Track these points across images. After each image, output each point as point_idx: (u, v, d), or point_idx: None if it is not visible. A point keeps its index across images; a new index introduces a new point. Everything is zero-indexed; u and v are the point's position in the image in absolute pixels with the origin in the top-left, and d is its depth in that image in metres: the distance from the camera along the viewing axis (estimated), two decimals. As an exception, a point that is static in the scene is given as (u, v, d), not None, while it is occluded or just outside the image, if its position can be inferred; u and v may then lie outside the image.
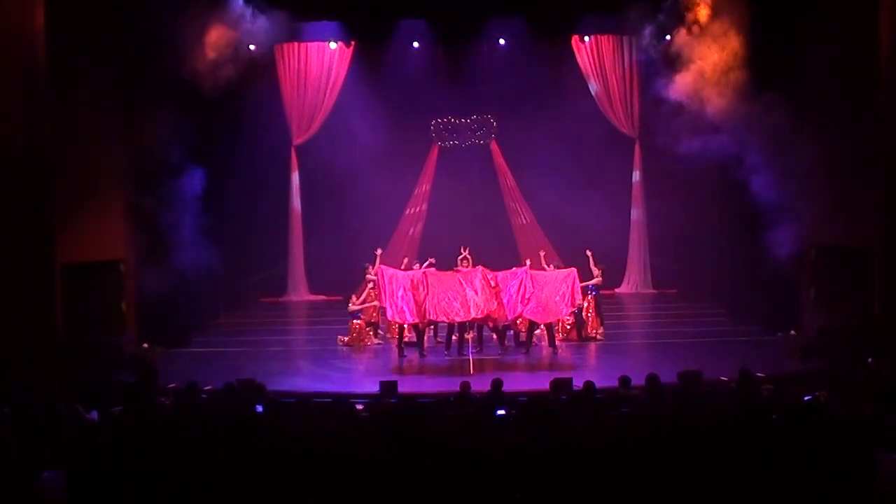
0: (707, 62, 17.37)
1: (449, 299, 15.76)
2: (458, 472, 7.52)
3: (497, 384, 11.23)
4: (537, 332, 16.67)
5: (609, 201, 21.71)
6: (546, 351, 16.55)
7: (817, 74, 17.12)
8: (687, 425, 8.20)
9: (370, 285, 17.48)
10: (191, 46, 17.23)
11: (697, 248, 20.67)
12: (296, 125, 22.25)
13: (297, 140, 22.31)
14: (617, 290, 22.58)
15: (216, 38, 17.50)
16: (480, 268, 16.16)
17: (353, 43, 21.61)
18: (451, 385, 12.85)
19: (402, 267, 17.23)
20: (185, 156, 17.04)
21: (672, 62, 17.92)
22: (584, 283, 16.95)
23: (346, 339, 17.52)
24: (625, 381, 11.52)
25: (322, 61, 22.01)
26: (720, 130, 17.08)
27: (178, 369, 14.62)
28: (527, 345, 16.48)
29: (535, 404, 9.85)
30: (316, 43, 21.80)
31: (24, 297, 14.42)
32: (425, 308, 15.77)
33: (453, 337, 16.44)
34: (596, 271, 17.47)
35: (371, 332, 17.67)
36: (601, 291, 18.03)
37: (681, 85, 17.62)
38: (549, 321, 16.31)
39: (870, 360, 12.92)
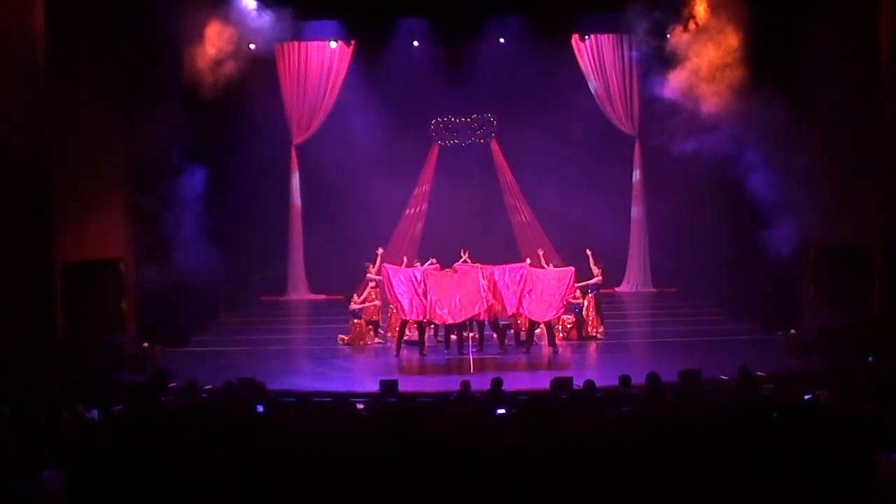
0: (706, 60, 17.35)
1: (448, 300, 15.76)
2: (459, 472, 7.52)
3: (497, 383, 11.22)
4: (537, 331, 16.66)
5: (609, 200, 21.72)
6: (546, 350, 16.54)
7: (816, 71, 17.09)
8: (687, 424, 8.19)
9: (371, 284, 17.49)
10: (191, 45, 17.23)
11: (697, 246, 20.66)
12: (296, 124, 22.25)
13: (298, 139, 22.30)
14: (617, 289, 22.58)
15: (216, 36, 17.48)
16: (479, 266, 16.16)
17: (353, 42, 21.59)
18: (451, 384, 12.84)
19: (403, 266, 17.23)
20: (185, 155, 17.03)
21: (671, 60, 17.90)
22: (584, 283, 16.96)
23: (346, 337, 17.51)
24: (625, 379, 11.51)
25: (322, 60, 22.01)
26: (720, 128, 17.06)
27: (178, 368, 14.55)
28: (527, 344, 16.48)
29: (536, 403, 9.84)
30: (316, 42, 21.79)
31: (24, 296, 14.42)
32: (426, 307, 15.79)
33: (452, 336, 16.43)
34: (596, 270, 17.47)
35: (371, 331, 17.66)
36: (601, 290, 18.01)
37: (680, 83, 17.61)
38: (546, 319, 16.29)
39: (870, 359, 12.94)
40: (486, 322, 16.48)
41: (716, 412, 8.79)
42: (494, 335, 16.80)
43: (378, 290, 17.49)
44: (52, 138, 14.87)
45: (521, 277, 16.03)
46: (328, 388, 13.50)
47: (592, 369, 15.32)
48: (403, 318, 16.38)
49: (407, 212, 22.59)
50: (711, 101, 17.19)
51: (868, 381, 11.32)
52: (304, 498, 7.57)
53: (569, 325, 17.43)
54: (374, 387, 12.81)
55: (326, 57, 21.98)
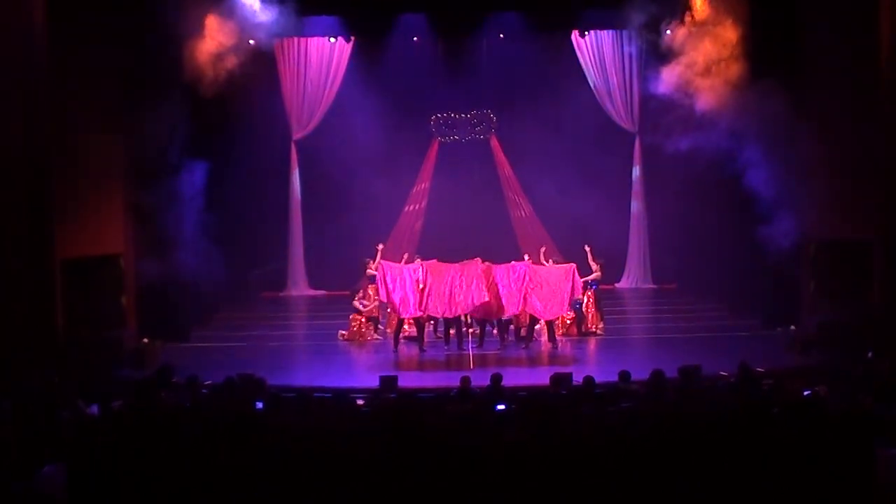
0: (705, 55, 17.33)
1: (447, 294, 15.74)
2: (458, 468, 7.51)
3: (496, 379, 11.22)
4: (537, 327, 16.65)
5: (609, 196, 21.69)
6: (546, 346, 16.53)
7: (816, 66, 17.02)
8: (687, 421, 8.19)
9: (370, 282, 17.48)
10: (192, 41, 17.21)
11: (697, 242, 20.65)
12: (296, 120, 22.23)
13: (297, 135, 22.28)
14: (617, 285, 22.57)
15: (217, 31, 17.45)
16: (478, 260, 16.14)
17: (352, 38, 21.56)
18: (451, 380, 12.85)
19: (403, 262, 17.22)
20: (185, 151, 17.02)
21: (670, 55, 17.88)
22: (583, 279, 16.94)
23: (346, 333, 17.51)
24: (624, 375, 11.52)
25: (322, 56, 21.98)
26: (719, 124, 17.05)
27: (178, 364, 14.54)
28: (527, 339, 16.48)
29: (535, 399, 9.85)
30: (316, 38, 21.75)
31: (23, 292, 14.41)
32: (426, 302, 15.77)
33: (451, 331, 16.41)
34: (595, 266, 17.46)
35: (371, 328, 17.66)
36: (601, 286, 17.99)
37: (679, 78, 17.59)
38: (550, 318, 16.29)
39: (869, 354, 12.94)
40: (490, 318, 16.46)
41: (715, 408, 8.79)
42: (494, 331, 16.81)
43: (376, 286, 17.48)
44: (51, 134, 14.85)
45: (522, 276, 15.94)
46: (328, 383, 13.48)
47: (592, 365, 15.31)
48: (396, 315, 16.39)
49: (406, 209, 22.57)
50: (710, 95, 17.17)
51: (868, 377, 11.32)
52: (304, 494, 7.56)
53: (568, 321, 17.43)
54: (373, 382, 12.78)
55: (326, 53, 21.95)
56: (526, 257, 17.02)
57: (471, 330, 16.86)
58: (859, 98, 15.94)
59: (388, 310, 17.31)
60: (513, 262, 16.43)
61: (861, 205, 16.04)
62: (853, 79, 16.09)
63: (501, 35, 21.77)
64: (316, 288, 22.80)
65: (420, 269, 16.05)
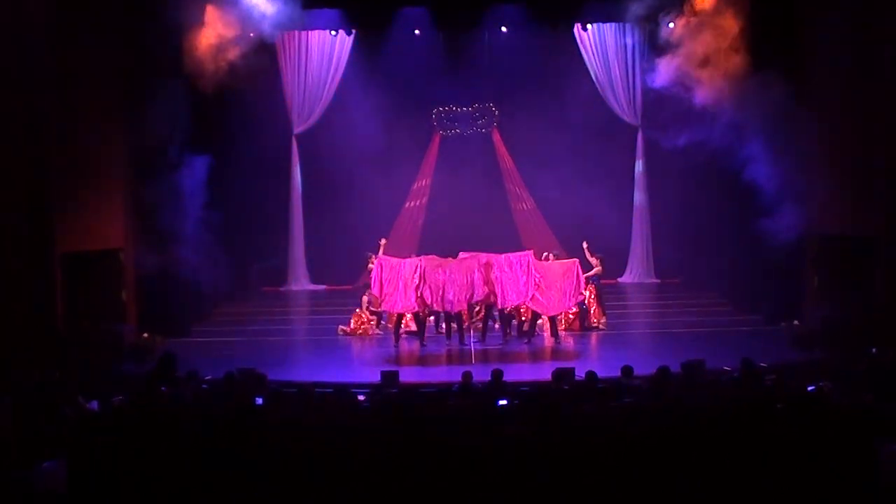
0: (706, 47, 17.30)
1: (446, 287, 15.73)
2: (459, 463, 7.52)
3: (497, 374, 11.22)
4: (539, 321, 16.65)
5: (611, 189, 21.66)
6: (548, 340, 16.53)
7: (819, 55, 16.92)
8: (689, 416, 8.19)
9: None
10: (192, 33, 17.19)
11: (700, 237, 20.62)
12: (296, 114, 22.19)
13: (298, 129, 22.25)
14: (619, 280, 22.55)
15: (218, 23, 17.44)
16: (479, 255, 16.13)
17: (353, 31, 21.52)
18: (452, 375, 12.87)
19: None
20: (186, 144, 17.03)
21: (672, 48, 17.85)
22: (584, 275, 16.89)
23: (347, 328, 17.51)
24: (627, 370, 11.53)
25: (323, 50, 21.94)
26: (722, 116, 17.02)
27: (178, 359, 14.59)
28: (529, 334, 16.46)
29: (537, 394, 9.86)
30: (317, 31, 21.71)
31: (23, 286, 14.42)
32: (424, 296, 15.76)
33: (452, 325, 16.39)
34: (594, 261, 17.43)
35: (374, 322, 17.64)
36: (602, 281, 17.97)
37: (682, 71, 17.56)
38: (553, 314, 16.28)
39: (873, 350, 12.92)
40: (494, 311, 16.45)
41: (718, 404, 8.79)
42: (496, 325, 16.80)
43: None
44: (51, 128, 14.85)
45: (525, 271, 15.89)
46: (329, 378, 13.49)
47: (594, 360, 15.29)
48: (390, 311, 16.39)
49: (408, 204, 22.56)
50: (712, 88, 17.13)
51: (871, 372, 11.32)
52: (305, 490, 7.57)
53: (571, 316, 17.41)
54: (375, 377, 12.82)
55: (327, 46, 21.90)
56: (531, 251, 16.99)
57: (472, 324, 16.85)
58: (863, 89, 15.86)
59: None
60: (516, 252, 16.38)
61: (865, 197, 15.98)
62: (857, 69, 15.99)
63: (503, 28, 21.73)
64: (317, 282, 22.78)
65: (419, 265, 15.99)
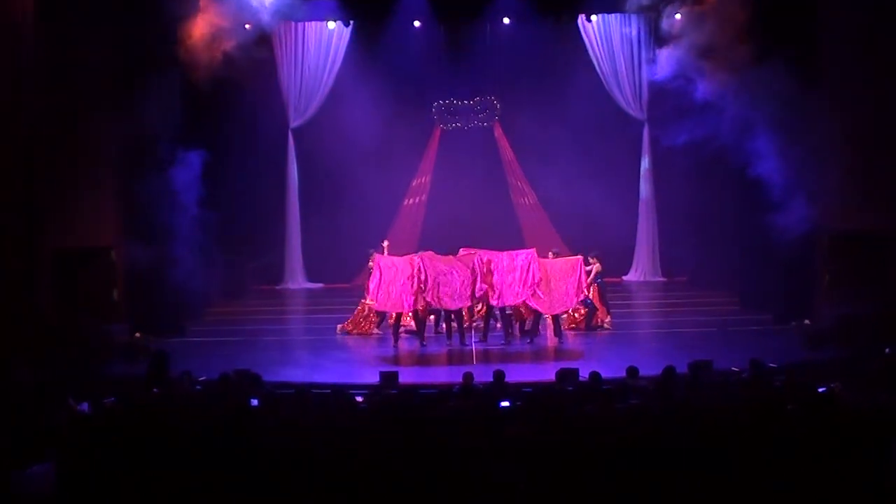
0: (713, 36, 17.24)
1: (447, 283, 15.73)
2: (460, 466, 7.51)
3: (499, 375, 11.21)
4: (544, 318, 16.63)
5: (617, 185, 21.66)
6: (551, 340, 16.51)
7: (832, 42, 16.83)
8: (696, 418, 8.17)
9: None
10: (187, 23, 17.16)
11: (708, 233, 20.58)
12: (293, 108, 22.14)
13: (295, 123, 22.22)
14: (625, 278, 22.53)
15: (213, 13, 17.42)
16: (478, 253, 16.13)
17: (351, 22, 21.48)
18: (453, 375, 12.86)
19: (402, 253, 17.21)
20: (180, 139, 17.00)
21: (679, 38, 17.81)
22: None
23: (348, 326, 17.48)
24: (632, 371, 11.52)
25: (320, 41, 21.90)
26: (730, 108, 16.97)
27: (171, 359, 14.57)
28: (531, 333, 16.45)
29: (540, 396, 9.84)
30: (314, 22, 21.67)
31: (12, 284, 14.42)
32: (424, 294, 15.74)
33: (453, 325, 16.38)
34: (591, 261, 17.34)
35: (376, 323, 17.59)
36: (604, 279, 17.92)
37: (688, 61, 17.52)
38: (555, 313, 16.27)
39: (887, 350, 12.91)
40: (495, 310, 16.44)
41: (726, 405, 8.78)
42: (498, 325, 16.79)
43: None
44: (41, 121, 14.84)
45: (527, 269, 15.87)
46: (326, 379, 13.50)
47: (599, 360, 15.21)
48: (385, 310, 16.36)
49: (407, 202, 22.55)
50: (720, 78, 17.07)
51: (885, 372, 11.31)
52: (302, 494, 7.55)
53: (577, 316, 17.36)
54: (374, 378, 12.82)
55: (324, 37, 21.86)
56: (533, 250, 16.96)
57: (474, 324, 16.84)
58: (878, 78, 15.77)
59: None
60: (518, 250, 16.37)
61: (879, 192, 15.95)
62: (872, 57, 15.88)
63: (505, 19, 21.67)
64: (313, 281, 22.76)
65: (418, 263, 15.95)
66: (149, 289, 17.05)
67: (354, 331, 17.43)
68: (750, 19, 17.07)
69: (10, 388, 10.59)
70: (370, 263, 17.31)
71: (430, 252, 16.51)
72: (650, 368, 11.97)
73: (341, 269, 21.80)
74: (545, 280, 15.92)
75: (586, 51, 21.67)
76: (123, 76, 16.76)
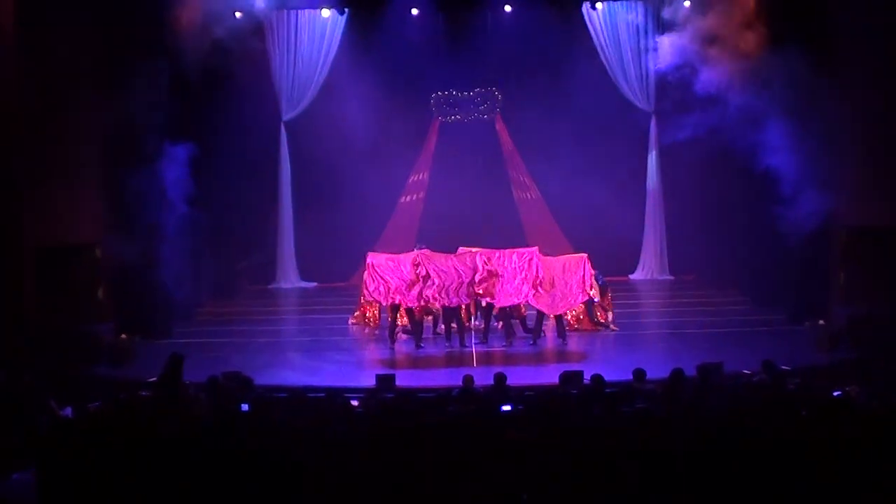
0: (723, 23, 17.20)
1: (446, 280, 15.70)
2: (460, 473, 7.48)
3: (500, 379, 11.19)
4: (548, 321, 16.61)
5: (623, 180, 21.66)
6: (554, 341, 16.48)
7: (846, 26, 16.70)
8: (706, 423, 8.15)
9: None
10: (175, 7, 17.11)
11: (718, 229, 20.57)
12: (286, 100, 22.09)
13: (287, 115, 22.17)
14: (631, 277, 22.51)
15: (202, 1, 17.38)
16: (478, 252, 16.11)
17: (346, 10, 21.44)
18: (452, 378, 12.83)
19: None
20: (167, 132, 16.96)
21: (687, 25, 17.76)
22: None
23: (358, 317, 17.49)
24: (639, 374, 11.49)
25: (314, 31, 21.85)
26: (740, 98, 16.92)
27: (158, 362, 14.55)
28: (534, 334, 16.42)
29: (544, 399, 9.82)
30: (307, 11, 21.63)
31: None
32: (424, 291, 15.71)
33: (452, 325, 16.36)
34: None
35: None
36: (607, 277, 17.90)
37: (697, 50, 17.48)
38: (559, 313, 16.24)
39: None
40: (494, 311, 16.42)
41: (737, 409, 8.76)
42: (499, 325, 16.76)
43: None
44: (19, 108, 14.77)
45: (529, 267, 15.84)
46: (320, 382, 13.47)
47: (604, 362, 15.19)
48: (384, 303, 16.33)
49: (404, 199, 22.54)
50: (730, 66, 17.01)
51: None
52: (295, 502, 7.53)
53: (581, 316, 17.32)
54: (370, 381, 12.81)
55: (318, 26, 21.81)
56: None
57: (474, 324, 16.82)
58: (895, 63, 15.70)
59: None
60: (520, 249, 16.35)
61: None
62: (889, 41, 15.79)
63: (507, 7, 21.66)
64: (307, 280, 22.74)
65: (418, 260, 15.93)
66: (135, 287, 17.01)
67: (367, 321, 17.41)
68: (760, 4, 17.02)
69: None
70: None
71: (427, 250, 16.47)
72: (657, 371, 11.95)
73: (336, 268, 21.78)
74: (548, 279, 15.90)
75: (591, 40, 21.62)
76: (108, 64, 16.71)
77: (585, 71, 21.48)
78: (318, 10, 21.59)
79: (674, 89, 19.07)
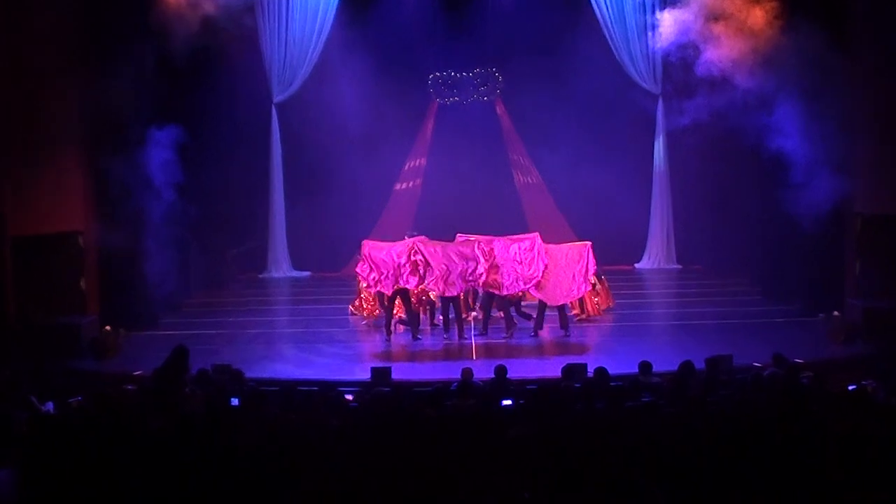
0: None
1: (445, 268, 15.70)
2: (458, 469, 7.48)
3: (501, 371, 11.19)
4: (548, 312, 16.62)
5: (628, 164, 21.64)
6: (557, 333, 16.48)
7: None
8: (715, 418, 8.15)
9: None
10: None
11: (727, 217, 20.57)
12: (277, 81, 22.05)
13: (278, 98, 22.13)
14: (637, 266, 22.52)
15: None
16: (477, 238, 16.11)
17: (340, -13, 21.43)
18: (451, 372, 12.83)
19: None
20: (153, 115, 16.96)
21: (693, 1, 17.70)
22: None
23: (361, 306, 17.54)
24: (645, 367, 11.49)
25: (306, 8, 21.78)
26: (751, 79, 16.86)
27: (144, 354, 14.59)
28: (536, 325, 16.42)
29: (545, 393, 9.82)
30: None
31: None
32: (422, 278, 15.70)
33: (450, 317, 16.35)
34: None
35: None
36: (616, 266, 17.92)
37: (704, 27, 17.40)
38: (561, 303, 16.24)
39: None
40: (494, 301, 16.42)
41: (747, 404, 8.76)
42: (500, 314, 16.76)
43: None
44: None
45: (531, 250, 15.84)
46: (313, 375, 13.50)
47: (609, 354, 15.18)
48: (380, 291, 16.33)
49: (402, 186, 22.53)
50: (740, 44, 16.93)
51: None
52: (286, 500, 7.53)
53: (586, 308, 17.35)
54: (365, 375, 12.81)
55: (311, 4, 21.75)
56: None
57: (473, 315, 16.82)
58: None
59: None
60: (521, 235, 16.36)
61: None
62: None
63: (508, -16, 21.67)
64: (299, 269, 22.75)
65: (415, 247, 15.91)
66: (120, 277, 17.02)
67: (369, 310, 17.45)
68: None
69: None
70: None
71: (424, 237, 16.46)
72: (664, 364, 11.97)
73: (329, 257, 21.79)
74: (550, 268, 15.90)
75: (595, 18, 21.53)
76: (90, 44, 16.65)
77: (589, 50, 21.39)
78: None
79: (679, 70, 18.99)
